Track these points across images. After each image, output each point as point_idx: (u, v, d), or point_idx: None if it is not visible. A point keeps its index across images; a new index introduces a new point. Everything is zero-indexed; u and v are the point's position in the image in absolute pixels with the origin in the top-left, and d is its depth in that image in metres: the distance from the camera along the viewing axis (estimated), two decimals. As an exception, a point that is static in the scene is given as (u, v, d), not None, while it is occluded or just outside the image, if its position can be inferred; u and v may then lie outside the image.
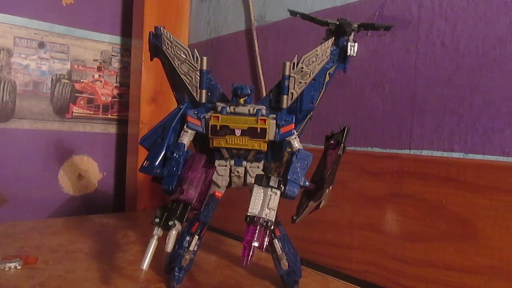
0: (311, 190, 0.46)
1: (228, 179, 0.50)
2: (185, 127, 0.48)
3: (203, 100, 0.49)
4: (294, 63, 0.48)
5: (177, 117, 0.49)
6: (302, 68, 0.48)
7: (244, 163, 0.49)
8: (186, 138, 0.48)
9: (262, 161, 0.50)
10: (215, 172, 0.48)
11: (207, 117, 0.47)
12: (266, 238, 0.42)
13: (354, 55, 0.48)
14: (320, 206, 0.47)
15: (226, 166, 0.49)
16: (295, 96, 0.48)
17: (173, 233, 0.42)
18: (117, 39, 1.04)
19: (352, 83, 0.66)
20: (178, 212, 0.43)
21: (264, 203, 0.43)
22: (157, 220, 0.43)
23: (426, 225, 0.54)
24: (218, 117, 0.46)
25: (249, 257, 0.40)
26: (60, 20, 0.95)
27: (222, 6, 0.94)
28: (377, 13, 0.63)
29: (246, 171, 0.49)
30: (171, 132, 0.48)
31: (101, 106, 1.03)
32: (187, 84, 0.50)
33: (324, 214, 0.59)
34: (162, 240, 0.43)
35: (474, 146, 0.53)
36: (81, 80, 1.00)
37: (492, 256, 0.48)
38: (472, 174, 0.50)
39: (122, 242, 0.69)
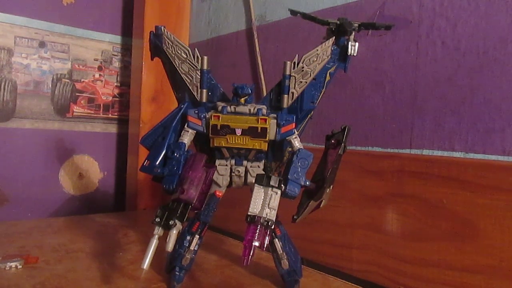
0: (312, 190, 0.46)
1: (228, 179, 0.50)
2: (185, 126, 0.48)
3: (204, 100, 0.50)
4: (294, 63, 0.48)
5: (177, 116, 0.49)
6: (303, 67, 0.48)
7: (245, 162, 0.49)
8: (187, 137, 0.48)
9: (263, 161, 0.50)
10: (215, 171, 0.48)
11: (207, 116, 0.47)
12: (267, 238, 0.42)
13: (355, 54, 0.48)
14: (321, 206, 0.47)
15: (226, 165, 0.49)
16: (295, 95, 0.48)
17: (174, 233, 0.42)
18: (117, 39, 1.05)
19: (352, 83, 0.66)
20: (179, 212, 0.43)
21: (264, 202, 0.43)
22: (157, 219, 0.43)
23: (426, 224, 0.54)
24: (218, 117, 0.46)
25: (250, 256, 0.40)
26: (61, 19, 0.95)
27: (222, 5, 0.94)
28: (377, 13, 0.63)
29: (246, 171, 0.49)
30: (171, 132, 0.48)
31: (101, 105, 1.03)
32: (187, 84, 0.50)
33: (324, 214, 0.59)
34: (163, 240, 0.43)
35: (474, 145, 0.53)
36: (82, 80, 1.00)
37: (492, 255, 0.48)
38: (473, 173, 0.50)
39: (123, 241, 0.69)
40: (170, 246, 0.42)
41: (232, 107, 0.47)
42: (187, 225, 0.49)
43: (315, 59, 0.48)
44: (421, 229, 0.54)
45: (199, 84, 0.49)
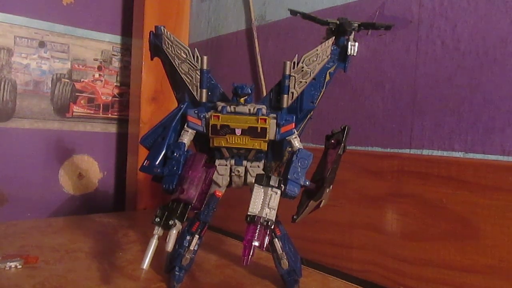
0: (312, 190, 0.46)
1: (228, 179, 0.50)
2: (185, 126, 0.48)
3: (204, 100, 0.50)
4: (294, 63, 0.48)
5: (177, 116, 0.49)
6: (303, 67, 0.48)
7: (245, 162, 0.49)
8: (187, 137, 0.48)
9: (263, 161, 0.50)
10: (215, 171, 0.48)
11: (207, 116, 0.47)
12: (267, 238, 0.42)
13: (355, 54, 0.48)
14: (321, 206, 0.47)
15: (226, 165, 0.49)
16: (295, 95, 0.48)
17: (174, 233, 0.42)
18: (117, 39, 1.04)
19: (352, 83, 0.66)
20: (179, 212, 0.43)
21: (264, 202, 0.43)
22: (157, 219, 0.43)
23: (426, 224, 0.54)
24: (218, 117, 0.46)
25: (250, 256, 0.40)
26: (61, 19, 0.95)
27: (222, 5, 0.94)
28: (377, 13, 0.63)
29: (246, 171, 0.49)
30: (171, 132, 0.48)
31: (101, 105, 1.03)
32: (187, 84, 0.50)
33: (324, 214, 0.59)
34: (163, 240, 0.43)
35: (474, 145, 0.53)
36: (82, 80, 1.00)
37: (492, 255, 0.48)
38: (473, 173, 0.50)
39: (123, 241, 0.69)
40: (170, 246, 0.42)
41: (232, 107, 0.47)
42: (187, 225, 0.49)
43: (315, 59, 0.48)
44: (420, 229, 0.54)
45: (198, 84, 0.49)
